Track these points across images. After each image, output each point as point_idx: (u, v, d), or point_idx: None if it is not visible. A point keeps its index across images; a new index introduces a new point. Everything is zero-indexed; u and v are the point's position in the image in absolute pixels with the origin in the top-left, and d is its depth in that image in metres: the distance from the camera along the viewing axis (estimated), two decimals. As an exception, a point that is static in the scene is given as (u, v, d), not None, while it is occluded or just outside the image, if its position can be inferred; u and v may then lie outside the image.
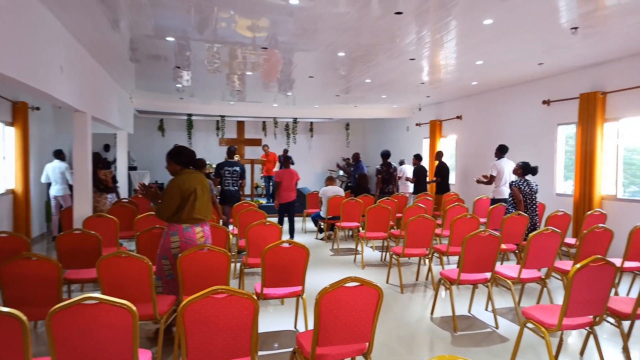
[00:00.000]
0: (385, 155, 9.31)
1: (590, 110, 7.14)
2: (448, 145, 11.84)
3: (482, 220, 7.49)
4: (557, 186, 8.14)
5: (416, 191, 9.50)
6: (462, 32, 5.54)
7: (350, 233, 9.28)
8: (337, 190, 8.77)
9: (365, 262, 7.02)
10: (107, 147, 12.55)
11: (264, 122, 15.62)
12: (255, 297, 2.44)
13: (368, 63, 7.28)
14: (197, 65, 7.59)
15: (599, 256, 3.09)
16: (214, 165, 8.67)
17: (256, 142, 13.79)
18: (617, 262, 4.99)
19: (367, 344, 2.82)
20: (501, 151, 7.71)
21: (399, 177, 10.06)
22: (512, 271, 4.62)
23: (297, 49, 6.51)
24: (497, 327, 4.42)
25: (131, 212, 6.54)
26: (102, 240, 4.53)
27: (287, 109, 13.52)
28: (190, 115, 13.79)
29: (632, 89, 6.54)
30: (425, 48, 6.29)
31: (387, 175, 9.20)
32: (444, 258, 6.44)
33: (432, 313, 4.79)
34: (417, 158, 9.90)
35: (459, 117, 11.07)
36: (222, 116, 14.01)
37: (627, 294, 5.30)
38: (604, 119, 7.06)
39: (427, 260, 5.97)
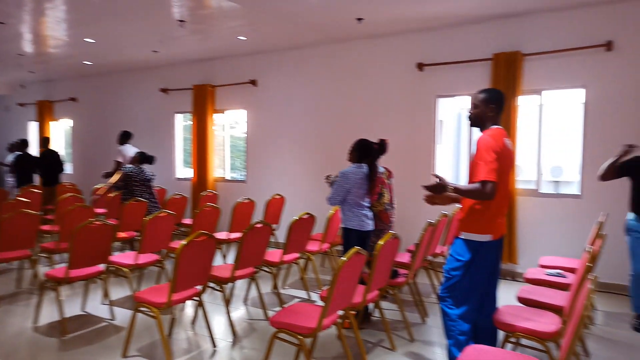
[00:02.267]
0: None
1: (202, 101, 7.83)
2: (62, 130, 10.57)
3: (102, 210, 7.05)
4: (178, 171, 8.58)
5: (20, 183, 8.00)
6: (66, 2, 4.90)
7: None
8: None
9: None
10: None
11: None
12: None
13: None
14: None
15: (203, 231, 3.33)
16: None
17: None
18: (225, 235, 5.70)
19: None
20: (125, 137, 7.46)
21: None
22: (129, 258, 4.48)
23: None
24: (113, 319, 4.18)
25: None
26: None
27: None
28: None
29: (233, 85, 7.58)
30: (20, 13, 5.24)
31: None
32: (56, 256, 5.65)
33: (35, 322, 4.07)
34: (22, 144, 8.37)
35: (73, 99, 10.00)
36: None
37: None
38: (214, 110, 7.90)
39: (32, 262, 5.06)
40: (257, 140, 7.48)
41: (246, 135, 7.63)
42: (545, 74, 5.20)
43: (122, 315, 4.24)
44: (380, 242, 3.12)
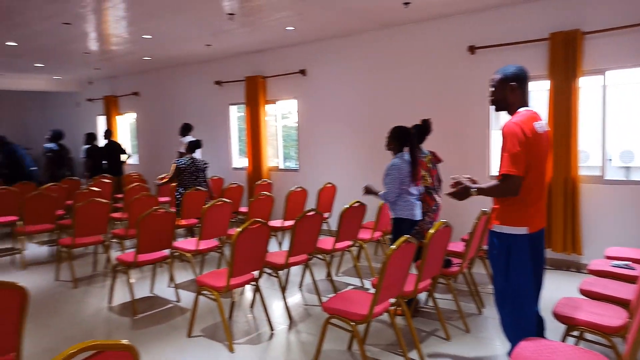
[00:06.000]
0: (57, 135, 8.48)
1: (254, 92, 8.02)
2: (127, 123, 11.23)
3: (165, 199, 7.46)
4: (234, 161, 8.88)
5: (92, 174, 8.61)
6: (123, 0, 5.17)
7: (8, 230, 7.62)
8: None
9: (29, 261, 5.88)
10: None
11: None
12: None
13: (8, 22, 5.91)
14: None
15: (257, 219, 3.47)
16: None
17: None
18: (280, 222, 5.88)
19: (14, 354, 2.30)
20: (186, 129, 7.86)
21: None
22: (191, 244, 4.74)
23: None
24: (179, 301, 4.47)
25: None
26: None
27: None
28: None
29: (283, 76, 7.70)
30: (83, 12, 5.58)
31: (59, 158, 8.33)
32: (126, 242, 6.07)
33: (110, 302, 4.44)
34: (90, 138, 8.99)
35: (136, 94, 10.57)
36: None
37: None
38: (265, 100, 8.07)
39: (105, 247, 5.48)
40: (308, 129, 7.58)
41: (297, 124, 7.75)
42: (609, 53, 4.89)
43: (187, 298, 4.52)
44: (431, 231, 3.12)
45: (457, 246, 4.33)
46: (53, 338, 3.71)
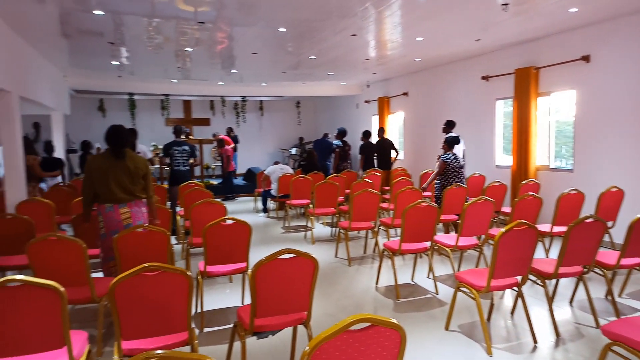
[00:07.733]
0: (342, 133, 9.99)
1: (524, 85, 7.47)
2: (396, 122, 12.11)
3: (428, 193, 7.77)
4: (497, 158, 8.51)
5: (365, 167, 9.70)
6: (401, 7, 5.59)
7: (302, 211, 9.38)
8: (285, 168, 8.95)
9: (316, 238, 7.11)
10: (36, 126, 11.55)
11: (211, 101, 15.27)
12: (198, 275, 2.44)
13: (311, 39, 7.23)
14: (134, 41, 7.25)
15: (523, 221, 3.28)
16: (160, 146, 8.49)
17: (204, 122, 13.45)
18: (548, 227, 5.37)
19: (306, 313, 2.88)
20: (449, 126, 7.99)
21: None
22: (451, 240, 4.83)
23: (236, 24, 6.33)
24: (437, 293, 4.64)
25: (68, 196, 6.27)
26: (38, 225, 4.38)
27: (234, 87, 13.24)
28: (131, 94, 13.26)
29: (561, 64, 6.90)
30: (366, 23, 6.32)
31: (343, 153, 9.82)
32: (391, 230, 6.63)
33: (377, 283, 4.96)
34: (365, 135, 10.08)
35: (405, 94, 11.28)
36: (167, 95, 13.62)
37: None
38: (537, 93, 7.41)
39: (374, 233, 6.13)
40: (588, 124, 6.59)
41: (575, 119, 6.82)
42: None
43: (444, 291, 4.65)
44: None
45: None
46: (331, 305, 4.41)
